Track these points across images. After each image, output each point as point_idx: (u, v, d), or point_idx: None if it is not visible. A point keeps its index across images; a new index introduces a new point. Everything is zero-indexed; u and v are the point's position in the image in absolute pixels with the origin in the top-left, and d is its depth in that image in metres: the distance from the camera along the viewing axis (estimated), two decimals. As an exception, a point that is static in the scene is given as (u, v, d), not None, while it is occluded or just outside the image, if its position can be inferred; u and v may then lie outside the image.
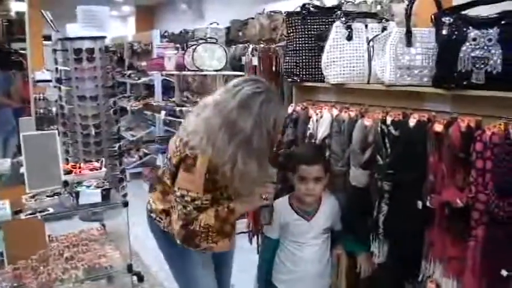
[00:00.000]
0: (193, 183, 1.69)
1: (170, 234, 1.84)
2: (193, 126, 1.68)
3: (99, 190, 2.53)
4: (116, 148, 4.52)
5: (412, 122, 1.70)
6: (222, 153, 1.60)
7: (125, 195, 4.46)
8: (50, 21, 4.83)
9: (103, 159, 3.03)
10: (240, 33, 5.05)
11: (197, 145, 1.65)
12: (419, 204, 1.68)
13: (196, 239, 1.71)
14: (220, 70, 4.42)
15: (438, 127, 1.62)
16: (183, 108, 4.97)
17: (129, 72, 6.98)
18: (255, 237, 2.42)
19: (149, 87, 6.87)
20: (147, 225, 2.00)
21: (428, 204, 1.65)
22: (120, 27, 12.26)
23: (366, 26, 2.05)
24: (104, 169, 2.83)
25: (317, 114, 2.09)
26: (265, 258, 2.09)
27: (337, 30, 2.01)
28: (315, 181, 1.91)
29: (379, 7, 3.30)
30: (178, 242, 1.75)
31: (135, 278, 3.24)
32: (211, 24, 5.20)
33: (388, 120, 1.79)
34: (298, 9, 2.25)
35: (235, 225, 1.79)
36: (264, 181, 1.79)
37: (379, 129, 1.79)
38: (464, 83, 1.55)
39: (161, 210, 1.89)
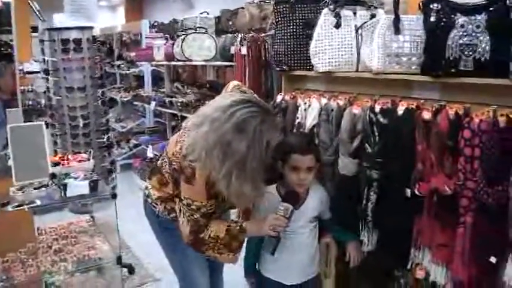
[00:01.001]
0: (196, 194, 1.74)
1: (164, 220, 1.93)
2: (192, 140, 1.68)
3: (86, 182, 2.51)
4: (105, 139, 4.48)
5: (400, 110, 1.70)
6: (217, 171, 1.63)
7: (114, 187, 4.43)
8: (36, 11, 4.76)
9: (91, 150, 3.01)
10: (230, 23, 5.00)
11: (195, 159, 1.67)
12: (408, 192, 1.68)
13: (203, 247, 1.79)
14: (209, 60, 4.39)
15: (426, 115, 1.61)
16: (173, 99, 4.93)
17: (119, 62, 6.92)
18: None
19: (139, 78, 6.81)
20: (142, 210, 2.06)
21: (416, 192, 1.65)
22: (110, 18, 12.14)
23: (355, 13, 2.02)
24: (91, 160, 2.81)
25: (305, 103, 2.08)
26: (251, 247, 2.09)
27: (326, 17, 1.99)
28: (307, 171, 1.89)
29: (368, -5, 3.27)
30: (185, 242, 1.82)
31: (125, 270, 3.23)
32: (201, 13, 5.14)
33: (377, 108, 1.78)
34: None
35: (242, 244, 1.83)
36: (274, 211, 1.82)
37: (367, 117, 1.79)
38: (453, 70, 1.54)
39: (157, 197, 1.94)
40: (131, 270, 3.33)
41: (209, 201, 1.75)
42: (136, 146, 6.27)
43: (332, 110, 1.96)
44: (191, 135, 1.70)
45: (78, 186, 2.48)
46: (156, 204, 1.95)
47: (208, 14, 5.13)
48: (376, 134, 1.76)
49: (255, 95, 1.91)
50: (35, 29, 5.99)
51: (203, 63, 4.44)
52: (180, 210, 1.81)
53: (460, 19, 1.53)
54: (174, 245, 1.96)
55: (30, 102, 6.41)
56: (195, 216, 1.75)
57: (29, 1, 4.89)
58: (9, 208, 2.36)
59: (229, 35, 4.39)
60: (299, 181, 1.90)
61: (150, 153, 5.40)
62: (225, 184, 1.63)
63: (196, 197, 1.74)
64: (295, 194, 1.88)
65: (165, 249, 2.05)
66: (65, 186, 2.45)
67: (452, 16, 1.55)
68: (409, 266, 1.77)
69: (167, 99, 5.03)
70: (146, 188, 2.03)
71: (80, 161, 2.76)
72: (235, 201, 1.77)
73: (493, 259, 1.47)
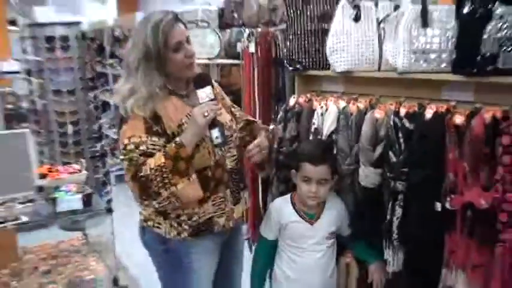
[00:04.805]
0: (132, 128, 1.74)
1: (174, 244, 1.87)
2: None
3: (79, 196, 2.53)
4: (98, 148, 4.51)
5: (428, 114, 1.69)
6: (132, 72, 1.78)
7: (109, 201, 4.45)
8: (14, 4, 4.80)
9: (83, 160, 3.03)
10: (235, 15, 5.02)
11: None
12: (438, 206, 1.67)
13: (152, 186, 1.68)
14: (213, 58, 4.39)
15: (459, 119, 1.61)
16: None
17: (111, 61, 6.95)
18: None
19: (134, 78, 6.80)
20: (141, 242, 2.00)
21: (448, 206, 1.65)
22: (99, 10, 12.21)
23: (376, 4, 2.03)
24: (84, 172, 2.84)
25: (322, 107, 2.08)
26: (258, 263, 2.12)
27: (344, 10, 2.00)
28: (319, 183, 1.91)
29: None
30: (137, 201, 1.78)
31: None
32: (202, 5, 5.16)
33: (402, 112, 1.78)
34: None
35: (191, 163, 1.72)
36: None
37: (391, 122, 1.78)
38: (489, 68, 1.54)
39: (155, 211, 1.85)
40: (127, 292, 3.34)
41: (150, 137, 1.73)
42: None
43: (351, 114, 1.96)
44: None
45: (70, 201, 2.51)
46: (159, 224, 1.87)
47: (210, 5, 5.15)
48: (402, 140, 1.76)
49: None
50: (11, 23, 6.00)
51: (206, 61, 4.45)
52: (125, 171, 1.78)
53: (499, 9, 1.52)
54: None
55: (10, 107, 6.45)
56: (133, 157, 1.71)
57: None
58: (-9, 225, 2.39)
59: (235, 29, 4.40)
60: (309, 193, 1.92)
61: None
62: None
63: (133, 131, 1.73)
64: (203, 75, 1.83)
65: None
66: (54, 200, 2.48)
67: (490, 6, 1.54)
68: (440, 290, 1.77)
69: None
70: (140, 213, 1.96)
71: (71, 173, 2.79)
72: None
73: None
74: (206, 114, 1.69)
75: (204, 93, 1.74)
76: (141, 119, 1.73)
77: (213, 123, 1.73)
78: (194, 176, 1.73)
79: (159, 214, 1.86)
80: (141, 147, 1.71)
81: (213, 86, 1.79)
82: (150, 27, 1.72)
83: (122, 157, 1.76)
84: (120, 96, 1.79)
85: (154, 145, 1.73)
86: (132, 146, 1.71)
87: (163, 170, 1.67)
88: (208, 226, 1.87)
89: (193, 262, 1.90)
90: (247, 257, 2.32)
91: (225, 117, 1.91)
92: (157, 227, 1.88)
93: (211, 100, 1.74)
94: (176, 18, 1.78)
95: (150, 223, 1.90)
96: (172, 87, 1.84)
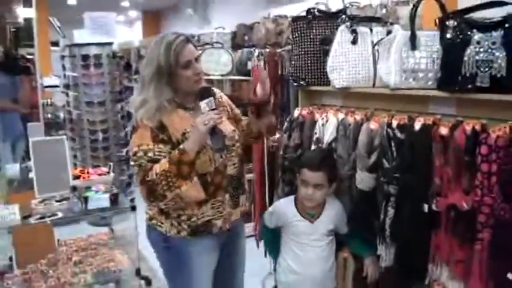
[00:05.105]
0: (140, 137, 1.75)
1: (175, 241, 1.85)
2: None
3: (107, 195, 2.57)
4: (124, 153, 4.56)
5: (417, 126, 1.70)
6: (145, 86, 1.79)
7: (132, 200, 4.48)
8: (57, 28, 4.91)
9: (111, 164, 3.06)
10: (246, 38, 5.07)
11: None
12: (426, 207, 1.68)
13: (158, 189, 1.68)
14: (226, 75, 4.43)
15: (443, 130, 1.62)
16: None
17: (136, 77, 7.00)
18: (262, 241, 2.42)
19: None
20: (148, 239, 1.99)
21: (434, 207, 1.65)
22: (127, 32, 12.38)
23: (371, 29, 2.05)
24: (111, 174, 2.87)
25: (323, 118, 2.10)
26: (266, 239, 2.23)
27: (342, 34, 2.02)
28: (315, 187, 1.93)
29: (384, 10, 3.31)
30: (146, 202, 1.80)
31: (143, 282, 3.26)
32: (217, 28, 5.22)
33: (394, 123, 1.78)
34: (303, 14, 2.26)
35: (194, 168, 1.70)
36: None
37: (384, 132, 1.79)
38: (469, 86, 1.55)
39: (158, 211, 1.86)
40: (148, 282, 3.36)
41: (156, 144, 1.73)
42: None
43: (349, 125, 1.97)
44: None
45: (100, 200, 2.54)
46: (162, 222, 1.86)
47: (224, 29, 5.21)
48: (394, 149, 1.77)
49: None
50: (53, 44, 6.12)
51: (220, 77, 4.49)
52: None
53: (476, 35, 1.54)
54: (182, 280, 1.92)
55: (49, 116, 6.55)
56: (142, 163, 1.71)
57: (49, 17, 5.03)
58: (32, 220, 2.43)
59: (246, 49, 4.44)
60: (306, 195, 1.94)
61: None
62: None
63: (141, 140, 1.73)
64: (206, 88, 1.83)
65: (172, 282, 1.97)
66: (86, 199, 2.51)
67: (469, 33, 1.56)
68: (426, 282, 1.76)
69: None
70: (146, 213, 1.94)
71: (100, 175, 2.82)
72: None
73: (510, 276, 1.46)
74: (206, 122, 1.68)
75: (206, 104, 1.75)
76: (148, 129, 1.73)
77: (214, 131, 1.73)
78: (196, 178, 1.73)
79: (162, 213, 1.85)
80: (149, 154, 1.71)
81: (215, 98, 1.80)
82: (163, 47, 1.73)
83: (132, 163, 1.79)
84: (133, 106, 1.82)
85: (160, 152, 1.73)
86: (141, 153, 1.72)
87: (168, 174, 1.66)
88: (206, 227, 1.85)
89: (193, 260, 1.87)
90: (254, 252, 2.33)
91: (227, 128, 1.89)
92: (160, 226, 1.87)
93: (212, 110, 1.74)
94: (187, 39, 1.79)
95: (154, 222, 1.89)
96: (180, 100, 1.83)
